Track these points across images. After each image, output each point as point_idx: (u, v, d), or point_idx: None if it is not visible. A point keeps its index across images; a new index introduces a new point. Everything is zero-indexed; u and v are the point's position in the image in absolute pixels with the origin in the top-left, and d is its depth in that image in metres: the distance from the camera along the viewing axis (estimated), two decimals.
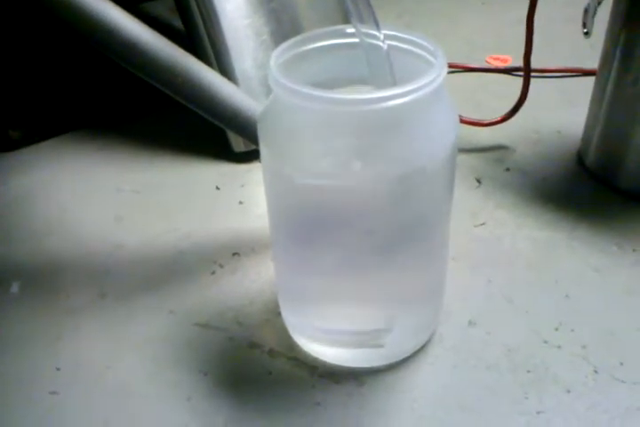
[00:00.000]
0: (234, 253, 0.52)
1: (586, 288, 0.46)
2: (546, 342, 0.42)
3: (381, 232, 0.36)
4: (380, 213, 0.35)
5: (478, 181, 0.58)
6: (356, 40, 0.36)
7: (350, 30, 0.37)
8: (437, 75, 0.33)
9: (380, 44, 0.35)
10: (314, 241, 0.38)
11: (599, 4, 0.51)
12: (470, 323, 0.44)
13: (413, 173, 0.34)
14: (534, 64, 0.58)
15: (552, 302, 0.45)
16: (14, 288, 0.49)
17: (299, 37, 0.37)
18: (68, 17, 0.40)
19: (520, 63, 0.59)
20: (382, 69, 0.36)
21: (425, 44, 0.36)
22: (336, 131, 0.34)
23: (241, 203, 0.58)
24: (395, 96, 0.32)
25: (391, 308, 0.40)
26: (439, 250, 0.40)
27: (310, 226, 0.37)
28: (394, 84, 0.36)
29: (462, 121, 0.62)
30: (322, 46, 0.38)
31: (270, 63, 0.35)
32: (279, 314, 0.44)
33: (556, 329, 0.43)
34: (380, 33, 0.35)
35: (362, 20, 0.35)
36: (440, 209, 0.38)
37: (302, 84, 0.32)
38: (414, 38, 0.37)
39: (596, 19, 0.54)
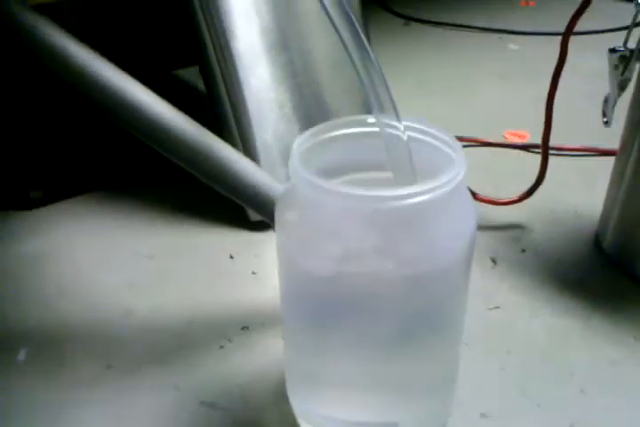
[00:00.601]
0: (243, 327, 0.51)
1: (602, 383, 0.45)
2: None
3: (394, 325, 0.36)
4: (394, 306, 0.35)
5: (493, 261, 0.57)
6: (377, 129, 0.37)
7: (371, 120, 0.38)
8: (458, 172, 0.33)
9: (400, 134, 0.36)
10: (325, 328, 0.37)
11: (620, 94, 0.52)
12: (482, 415, 0.43)
13: (430, 269, 0.34)
14: (552, 141, 0.59)
15: (566, 397, 0.44)
16: (21, 356, 0.49)
17: (321, 126, 0.38)
18: (89, 94, 0.41)
19: (538, 140, 0.60)
20: (402, 159, 0.37)
21: (444, 137, 0.37)
22: (354, 225, 0.34)
23: (254, 273, 0.57)
24: (415, 194, 0.32)
25: (401, 399, 0.39)
26: (453, 340, 0.40)
27: (322, 313, 0.37)
28: (413, 173, 0.37)
29: (478, 199, 0.63)
30: (343, 134, 0.39)
31: (292, 151, 0.35)
32: (286, 396, 0.43)
33: None
34: (400, 123, 0.36)
35: (383, 111, 0.35)
36: (456, 301, 0.38)
37: (320, 179, 0.32)
38: (434, 131, 0.37)
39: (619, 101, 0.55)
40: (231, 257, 0.59)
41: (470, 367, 0.46)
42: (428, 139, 0.37)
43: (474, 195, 0.62)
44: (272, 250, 0.57)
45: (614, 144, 0.57)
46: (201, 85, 0.69)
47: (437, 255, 0.34)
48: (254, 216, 0.62)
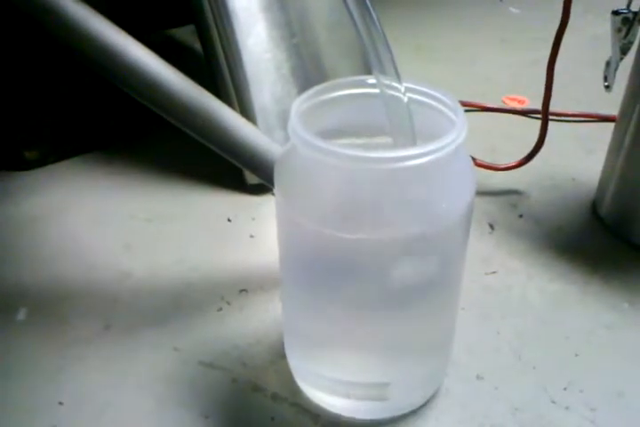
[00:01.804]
0: (241, 290, 0.51)
1: (596, 346, 0.46)
2: (554, 402, 0.42)
3: (392, 286, 0.36)
4: (393, 268, 0.35)
5: (491, 226, 0.58)
6: (377, 91, 0.36)
7: (372, 81, 0.37)
8: (458, 135, 0.33)
9: (401, 96, 0.35)
10: (322, 289, 0.37)
11: (621, 59, 0.51)
12: (478, 377, 0.44)
13: (428, 231, 0.34)
14: (552, 106, 0.58)
15: (561, 360, 0.45)
16: (21, 315, 0.49)
17: (321, 86, 0.37)
18: (88, 53, 0.40)
19: (537, 105, 0.59)
20: (402, 121, 0.36)
21: (446, 100, 0.36)
22: (353, 187, 0.34)
23: (252, 236, 0.57)
24: (415, 156, 0.32)
25: (397, 360, 0.39)
26: (450, 303, 0.40)
27: (320, 274, 0.37)
28: (413, 136, 0.36)
29: (477, 164, 0.62)
30: (343, 95, 0.38)
31: (291, 111, 0.35)
32: (284, 356, 0.44)
33: (565, 389, 0.43)
34: (401, 85, 0.35)
35: (384, 72, 0.35)
36: (454, 263, 0.38)
37: (320, 139, 0.32)
38: (435, 93, 0.37)
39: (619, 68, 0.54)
40: (229, 220, 0.59)
41: (466, 331, 0.46)
42: (429, 101, 0.37)
43: (472, 160, 0.61)
44: (270, 213, 0.57)
45: (615, 110, 0.56)
46: (197, 46, 0.68)
47: (436, 218, 0.34)
48: (252, 179, 0.62)
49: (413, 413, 0.41)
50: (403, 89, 0.35)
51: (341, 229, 0.33)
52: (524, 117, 0.74)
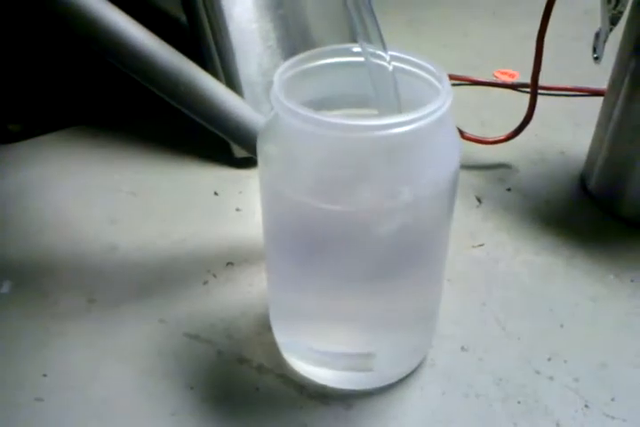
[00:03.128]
0: (228, 263, 0.51)
1: (581, 318, 0.46)
2: (538, 372, 0.42)
3: (377, 257, 0.36)
4: (377, 238, 0.35)
5: (479, 200, 0.57)
6: (362, 59, 0.36)
7: (357, 49, 0.37)
8: (443, 103, 0.32)
9: (386, 64, 0.35)
10: (306, 261, 0.37)
11: (611, 29, 0.51)
12: (463, 348, 0.44)
13: (413, 200, 0.33)
14: (541, 80, 0.58)
15: (546, 331, 0.45)
16: (5, 288, 0.49)
17: (304, 54, 0.37)
18: (69, 20, 0.39)
19: (528, 79, 0.59)
20: (387, 90, 0.36)
21: (431, 68, 0.36)
22: (336, 156, 0.33)
23: (238, 210, 0.57)
24: (399, 124, 0.31)
25: (383, 331, 0.39)
26: (436, 275, 0.40)
27: (304, 246, 0.37)
28: (398, 105, 0.36)
29: (465, 137, 0.62)
30: (327, 64, 0.38)
31: (274, 80, 0.34)
32: (270, 329, 0.44)
33: (549, 360, 0.43)
34: (386, 54, 0.35)
35: (369, 40, 0.34)
36: (439, 235, 0.38)
37: (303, 107, 0.32)
38: (420, 61, 0.36)
39: (607, 42, 0.54)
40: (215, 194, 0.59)
41: (452, 303, 0.46)
42: (415, 69, 0.36)
43: (461, 133, 0.61)
44: (256, 187, 0.56)
45: (604, 84, 0.56)
46: (183, 18, 0.66)
47: (421, 186, 0.33)
48: (239, 153, 0.61)
49: (398, 383, 0.41)
50: (388, 58, 0.35)
51: (325, 200, 0.33)
52: (514, 91, 0.74)
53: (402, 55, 0.36)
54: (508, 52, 0.81)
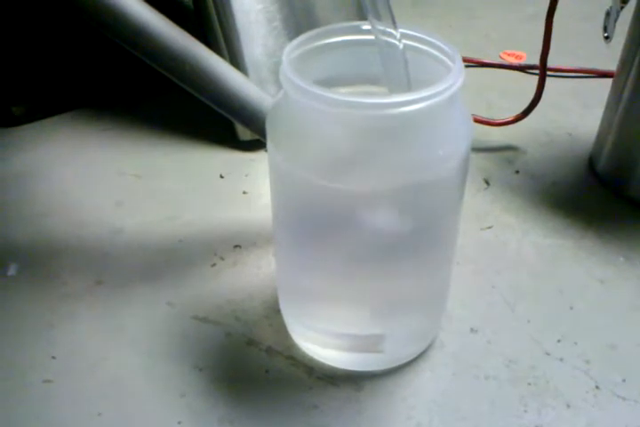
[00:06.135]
0: (235, 246, 0.51)
1: (590, 300, 0.46)
2: (548, 353, 0.42)
3: (387, 238, 0.35)
4: (388, 219, 0.35)
5: (487, 182, 0.57)
6: (372, 37, 0.35)
7: (366, 27, 0.36)
8: (455, 81, 0.32)
9: (397, 42, 0.34)
10: (316, 242, 0.37)
11: (622, 8, 0.50)
12: (472, 330, 0.44)
13: (424, 180, 0.33)
14: (550, 61, 0.57)
15: (555, 313, 0.45)
16: (12, 271, 0.49)
17: (313, 32, 0.36)
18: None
19: (535, 60, 0.58)
20: (397, 69, 0.35)
21: (443, 46, 0.35)
22: (346, 134, 0.33)
23: (245, 193, 0.57)
24: (410, 102, 0.31)
25: (393, 312, 0.39)
26: (445, 256, 0.39)
27: (314, 226, 0.36)
28: (408, 84, 0.35)
29: (473, 120, 0.61)
30: (336, 42, 0.37)
31: (282, 58, 0.33)
32: (278, 311, 0.44)
33: (559, 341, 0.43)
34: (396, 31, 0.34)
35: (379, 18, 0.34)
36: (449, 216, 0.37)
37: (314, 84, 0.31)
38: (432, 39, 0.35)
39: (618, 22, 0.53)
40: (221, 177, 0.58)
41: (461, 285, 0.46)
42: (426, 48, 0.36)
43: None
44: (263, 170, 0.56)
45: (613, 66, 0.55)
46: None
47: (432, 165, 0.33)
48: (244, 136, 0.61)
49: (408, 365, 0.41)
50: (398, 35, 0.34)
51: (334, 179, 0.33)
52: (521, 73, 0.73)
53: (413, 33, 0.36)
54: (514, 34, 0.80)
